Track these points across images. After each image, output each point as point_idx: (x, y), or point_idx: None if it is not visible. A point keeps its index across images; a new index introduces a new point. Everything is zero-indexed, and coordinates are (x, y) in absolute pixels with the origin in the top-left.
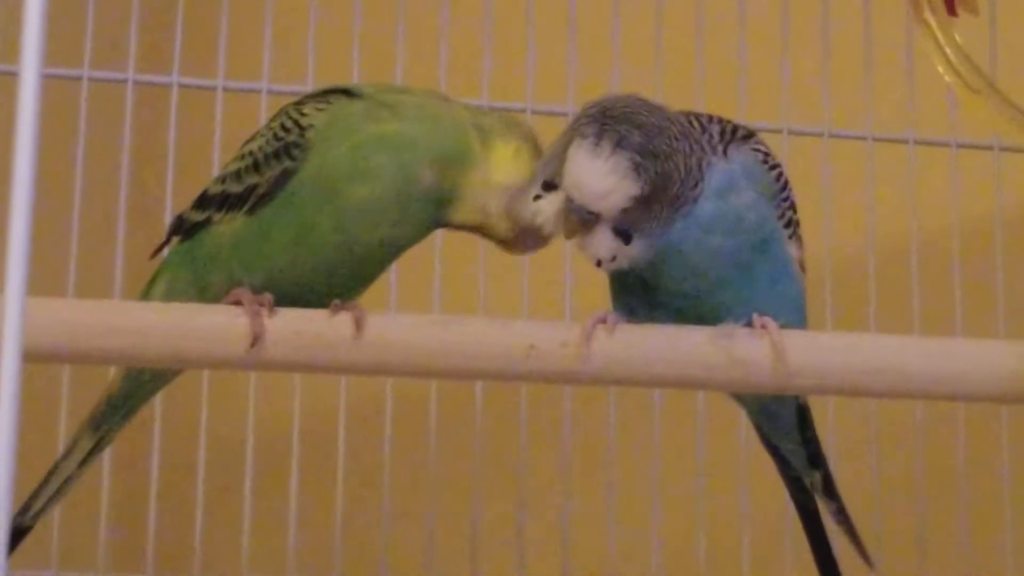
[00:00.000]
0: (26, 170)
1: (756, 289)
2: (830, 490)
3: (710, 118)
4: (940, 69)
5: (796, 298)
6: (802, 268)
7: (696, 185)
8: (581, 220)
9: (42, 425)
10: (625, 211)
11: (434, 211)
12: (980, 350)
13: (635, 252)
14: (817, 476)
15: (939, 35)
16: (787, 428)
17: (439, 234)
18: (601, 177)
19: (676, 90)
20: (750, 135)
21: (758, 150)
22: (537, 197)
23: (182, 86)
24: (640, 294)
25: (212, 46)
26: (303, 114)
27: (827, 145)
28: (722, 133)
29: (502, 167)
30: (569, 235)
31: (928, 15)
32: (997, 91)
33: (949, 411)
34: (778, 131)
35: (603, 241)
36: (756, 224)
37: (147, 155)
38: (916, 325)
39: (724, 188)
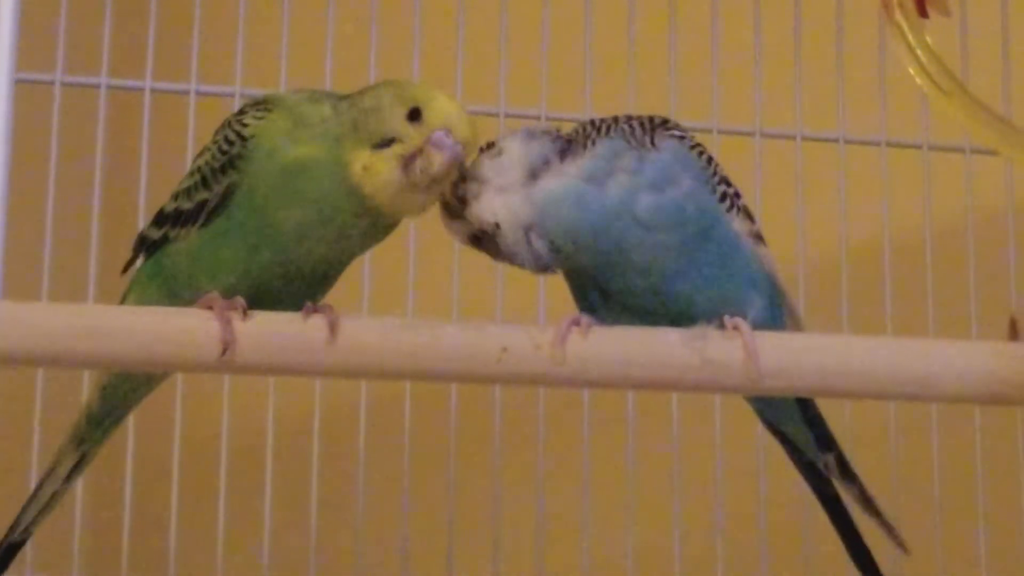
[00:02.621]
0: (0, 174)
1: (709, 274)
2: (846, 471)
3: (615, 118)
4: (911, 71)
5: (754, 271)
6: (759, 238)
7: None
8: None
9: (15, 430)
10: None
11: (371, 223)
12: (952, 351)
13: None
14: (830, 458)
15: (910, 37)
16: (787, 410)
17: (411, 237)
18: None
19: (648, 94)
20: (664, 121)
21: (675, 135)
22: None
23: (155, 90)
24: (599, 298)
25: (185, 50)
26: (244, 124)
27: (799, 148)
28: (642, 125)
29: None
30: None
31: (899, 17)
32: (967, 93)
33: (922, 412)
34: (750, 134)
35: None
36: (697, 213)
37: (120, 159)
38: (888, 326)
39: (661, 180)
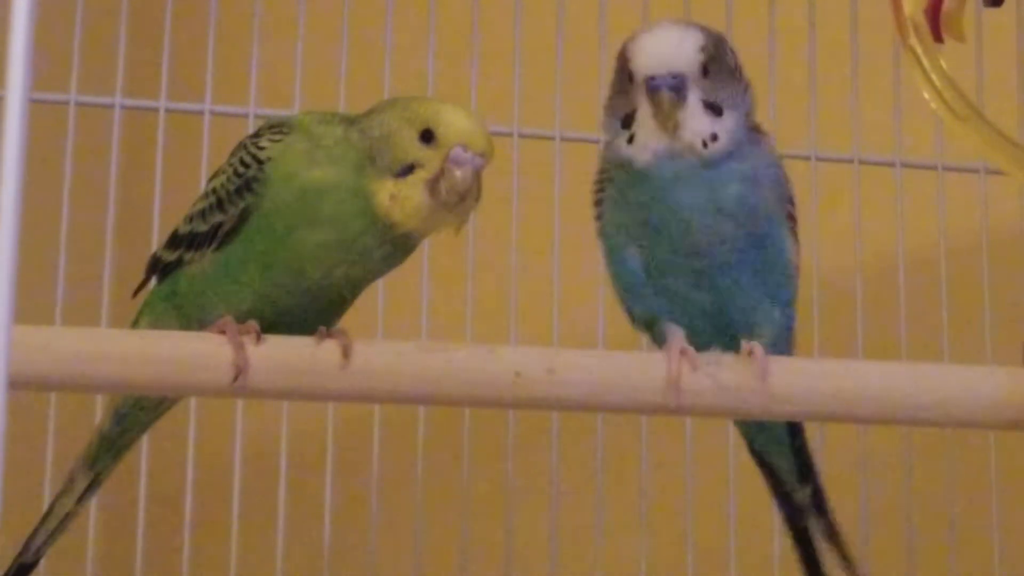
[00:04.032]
0: (11, 195)
1: (755, 281)
2: (820, 506)
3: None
4: (926, 95)
5: (788, 295)
6: (796, 268)
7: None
8: (672, 91)
9: (28, 452)
10: (704, 74)
11: (392, 248)
12: (968, 376)
13: (731, 125)
14: (807, 491)
15: (925, 61)
16: (777, 438)
17: (425, 258)
18: (670, 36)
19: None
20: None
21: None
22: (630, 139)
23: (169, 110)
24: (641, 272)
25: (199, 70)
26: (260, 147)
27: (814, 168)
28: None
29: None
30: (667, 120)
31: (914, 41)
32: (982, 118)
33: (937, 436)
34: None
35: (698, 116)
36: (767, 216)
37: (135, 180)
38: (903, 348)
39: (755, 176)
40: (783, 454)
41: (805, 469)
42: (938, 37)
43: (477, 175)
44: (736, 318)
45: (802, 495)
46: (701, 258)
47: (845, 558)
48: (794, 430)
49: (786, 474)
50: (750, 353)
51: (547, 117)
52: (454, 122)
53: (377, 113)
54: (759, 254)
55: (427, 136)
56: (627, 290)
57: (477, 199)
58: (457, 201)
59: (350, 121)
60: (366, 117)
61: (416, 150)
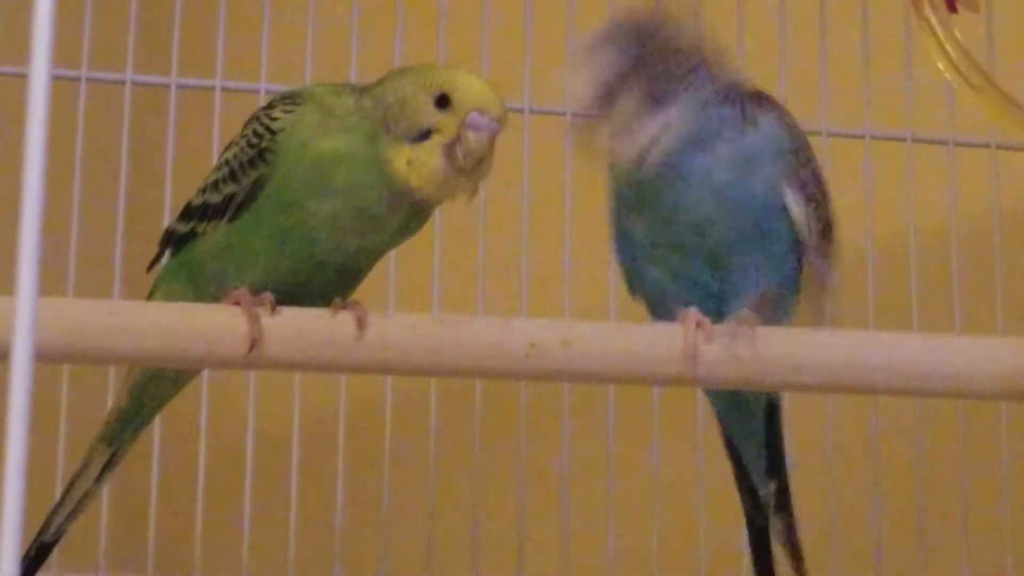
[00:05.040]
0: (36, 171)
1: (754, 263)
2: (783, 504)
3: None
4: (940, 66)
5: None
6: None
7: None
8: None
9: (41, 428)
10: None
11: (407, 216)
12: (979, 347)
13: (673, 117)
14: (772, 487)
15: (939, 32)
16: (751, 427)
17: (437, 232)
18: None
19: None
20: (776, 104)
21: (783, 120)
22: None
23: (180, 86)
24: (641, 244)
25: (210, 46)
26: (273, 118)
27: (825, 143)
28: (751, 96)
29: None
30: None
31: (928, 12)
32: (997, 88)
33: (949, 407)
34: None
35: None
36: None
37: (146, 155)
38: (915, 322)
39: (744, 160)
40: (755, 444)
41: (774, 464)
42: (952, 7)
43: (492, 140)
44: (739, 286)
45: (767, 491)
46: (701, 236)
47: (798, 565)
48: (771, 417)
49: (755, 466)
50: (739, 322)
51: (557, 93)
52: (470, 87)
53: (390, 81)
54: (767, 237)
55: (443, 101)
56: (632, 260)
57: (490, 166)
58: (473, 165)
59: (362, 91)
60: (378, 85)
61: (432, 115)
